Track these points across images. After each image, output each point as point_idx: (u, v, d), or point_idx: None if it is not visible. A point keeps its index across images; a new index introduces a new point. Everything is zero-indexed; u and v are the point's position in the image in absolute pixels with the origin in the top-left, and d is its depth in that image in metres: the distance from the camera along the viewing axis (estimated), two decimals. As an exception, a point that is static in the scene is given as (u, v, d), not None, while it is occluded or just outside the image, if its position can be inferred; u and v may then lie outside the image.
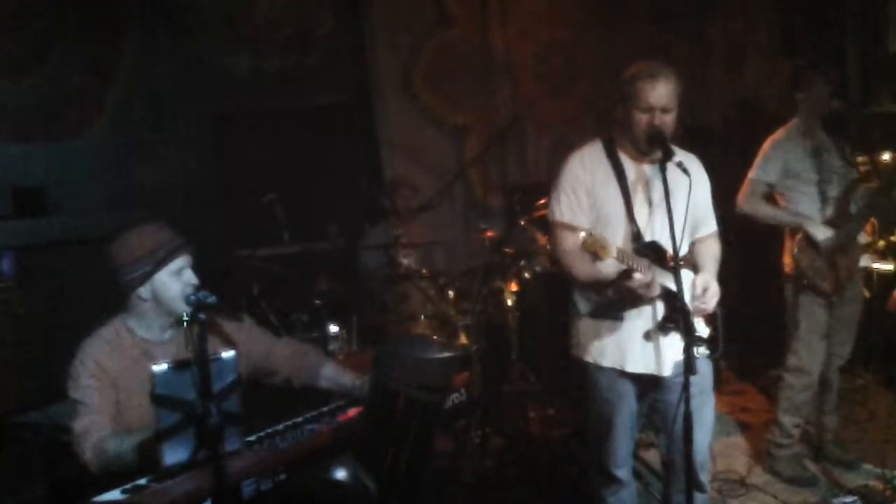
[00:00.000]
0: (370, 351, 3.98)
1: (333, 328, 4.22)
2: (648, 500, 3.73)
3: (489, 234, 4.44)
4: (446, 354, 2.53)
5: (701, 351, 2.76)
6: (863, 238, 3.79)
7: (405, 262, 4.34)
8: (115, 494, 2.12)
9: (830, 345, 3.82)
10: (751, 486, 3.78)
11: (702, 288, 2.74)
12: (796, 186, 3.74)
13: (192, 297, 2.15)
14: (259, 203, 4.45)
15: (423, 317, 4.22)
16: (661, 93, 2.68)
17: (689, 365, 2.50)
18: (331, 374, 2.82)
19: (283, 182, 4.67)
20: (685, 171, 2.64)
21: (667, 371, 2.79)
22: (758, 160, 3.80)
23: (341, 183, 5.63)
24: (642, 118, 2.71)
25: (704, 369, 2.84)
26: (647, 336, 2.77)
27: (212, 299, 2.15)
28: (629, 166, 2.81)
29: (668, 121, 2.71)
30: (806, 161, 3.72)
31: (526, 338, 4.58)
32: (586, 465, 3.13)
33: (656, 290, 2.62)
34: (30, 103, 4.64)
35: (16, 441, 3.48)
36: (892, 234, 5.02)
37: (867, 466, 3.86)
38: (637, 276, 2.52)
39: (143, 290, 2.50)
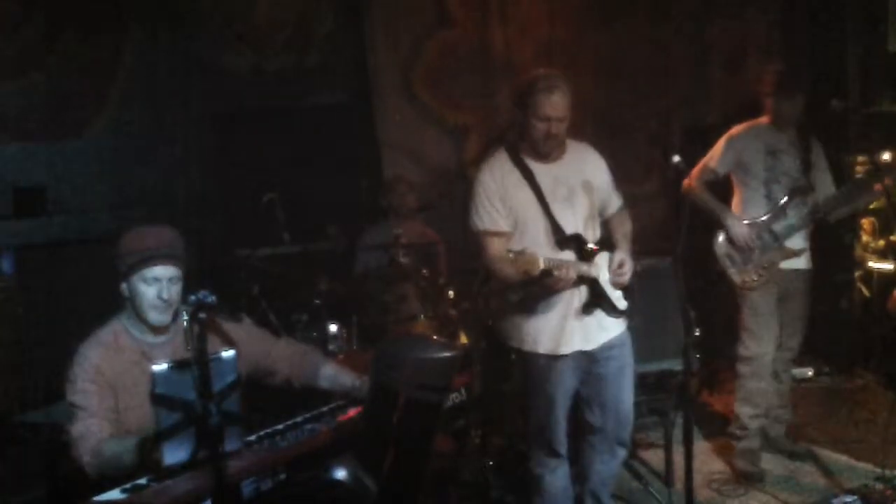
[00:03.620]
0: (370, 351, 3.97)
1: (333, 328, 4.22)
2: (648, 499, 3.73)
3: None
4: (446, 354, 2.53)
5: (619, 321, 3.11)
6: (799, 246, 3.82)
7: (405, 261, 4.34)
8: (115, 494, 2.12)
9: (778, 337, 3.91)
10: (750, 486, 3.78)
11: (618, 263, 3.00)
12: (746, 181, 3.88)
13: (192, 297, 2.15)
14: (259, 203, 4.45)
15: (423, 317, 4.21)
16: (558, 104, 2.92)
17: (688, 367, 2.55)
18: (330, 374, 2.82)
19: (283, 182, 4.67)
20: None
21: (593, 345, 3.06)
22: (712, 149, 3.95)
23: (341, 183, 5.62)
24: (540, 126, 2.93)
25: (628, 342, 3.15)
26: (574, 318, 3.01)
27: (211, 299, 2.15)
28: (535, 167, 3.02)
29: (562, 128, 2.96)
30: (758, 158, 3.83)
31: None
32: (527, 449, 3.27)
33: (571, 281, 2.84)
34: (30, 103, 4.63)
35: (16, 441, 3.48)
36: (892, 234, 5.03)
37: (867, 466, 3.86)
38: (555, 273, 2.73)
39: (124, 288, 2.53)
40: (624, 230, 3.21)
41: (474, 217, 3.03)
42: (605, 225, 3.22)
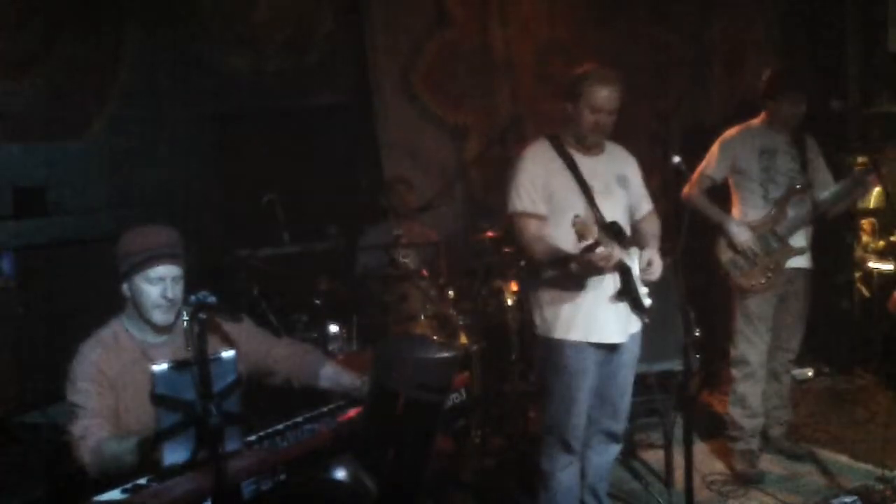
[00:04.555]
0: (370, 351, 3.97)
1: (333, 328, 4.22)
2: (648, 499, 3.73)
3: (489, 234, 4.44)
4: (446, 354, 2.53)
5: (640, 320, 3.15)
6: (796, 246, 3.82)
7: (405, 261, 4.34)
8: (115, 494, 2.12)
9: (777, 338, 3.92)
10: (750, 487, 3.78)
11: (647, 262, 3.02)
12: (743, 183, 3.89)
13: (192, 297, 2.15)
14: (259, 203, 4.45)
15: (423, 317, 4.21)
16: (613, 97, 3.00)
17: (688, 367, 2.55)
18: (330, 374, 2.82)
19: (283, 182, 4.67)
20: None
21: (624, 337, 3.09)
22: (707, 156, 3.96)
23: (341, 183, 5.62)
24: (591, 117, 3.02)
25: (639, 340, 3.20)
26: (606, 306, 3.04)
27: (211, 299, 2.15)
28: (577, 158, 3.10)
29: (611, 121, 3.05)
30: (753, 160, 3.84)
31: (526, 338, 4.57)
32: (540, 442, 3.26)
33: (613, 262, 2.82)
34: (30, 103, 4.63)
35: (16, 441, 3.48)
36: (892, 235, 5.03)
37: (867, 466, 3.87)
38: (599, 249, 2.73)
39: (125, 288, 2.52)
40: (653, 231, 3.27)
41: (514, 199, 3.06)
42: (635, 226, 3.26)
